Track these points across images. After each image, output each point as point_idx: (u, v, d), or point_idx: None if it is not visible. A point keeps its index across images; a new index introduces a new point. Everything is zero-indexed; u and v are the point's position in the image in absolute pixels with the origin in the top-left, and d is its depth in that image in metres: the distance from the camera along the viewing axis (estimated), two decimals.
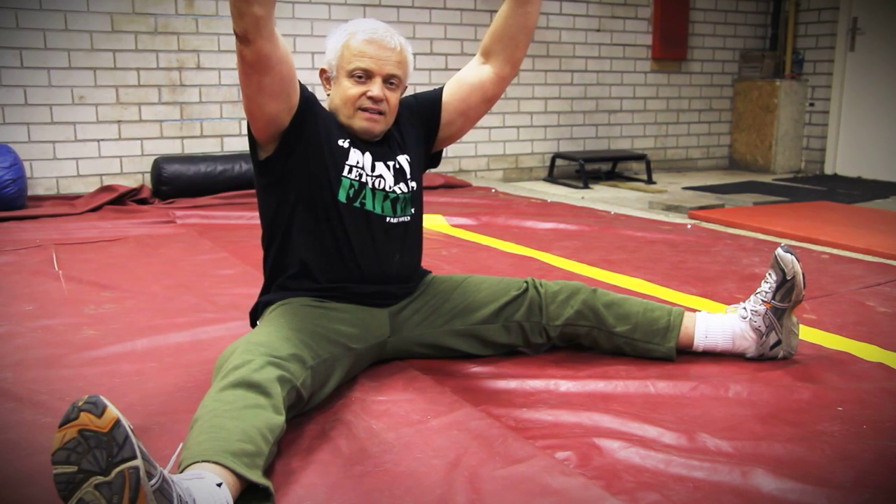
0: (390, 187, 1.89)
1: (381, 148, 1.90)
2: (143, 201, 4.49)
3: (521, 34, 1.95)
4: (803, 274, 1.93)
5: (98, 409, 1.09)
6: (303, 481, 1.41)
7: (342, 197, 1.83)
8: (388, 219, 1.89)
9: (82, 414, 1.09)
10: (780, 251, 1.93)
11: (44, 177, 4.51)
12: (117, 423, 1.10)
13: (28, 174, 4.41)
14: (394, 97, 1.87)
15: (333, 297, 1.85)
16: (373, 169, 1.87)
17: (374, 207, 1.86)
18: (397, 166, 1.91)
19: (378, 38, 1.83)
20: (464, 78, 2.02)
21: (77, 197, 4.50)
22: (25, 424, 1.63)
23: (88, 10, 4.48)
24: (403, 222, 1.92)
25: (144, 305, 2.52)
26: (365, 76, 1.82)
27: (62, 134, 4.52)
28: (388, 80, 1.84)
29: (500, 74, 1.99)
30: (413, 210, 1.95)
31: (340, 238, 1.84)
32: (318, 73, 1.92)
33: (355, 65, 1.81)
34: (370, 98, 1.82)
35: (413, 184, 1.95)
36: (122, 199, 4.42)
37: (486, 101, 2.02)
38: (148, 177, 4.73)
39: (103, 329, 2.27)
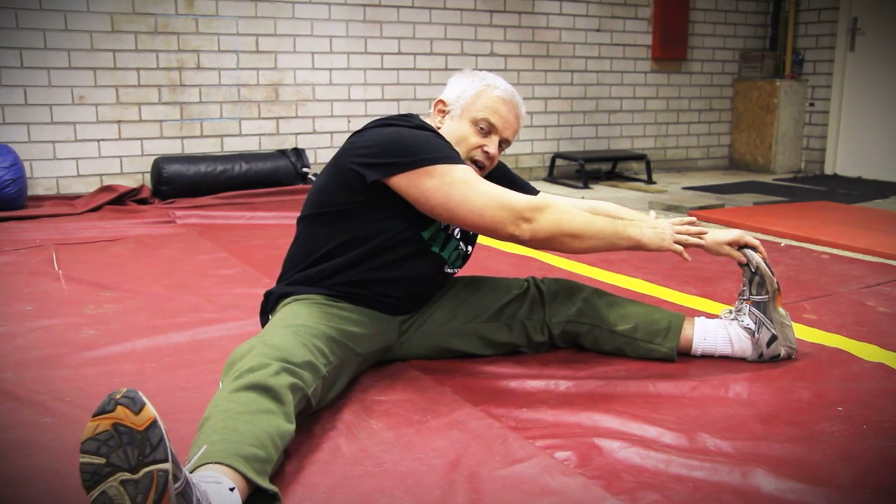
0: (458, 240, 1.94)
1: None
2: (143, 201, 4.49)
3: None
4: (767, 262, 1.97)
5: (136, 406, 1.08)
6: (303, 481, 1.41)
7: (427, 234, 1.85)
8: (446, 267, 1.93)
9: (119, 408, 1.07)
10: (742, 249, 1.98)
11: (44, 177, 4.51)
12: (154, 423, 1.08)
13: (28, 174, 4.40)
14: (498, 157, 1.95)
15: (351, 300, 1.84)
16: None
17: (444, 253, 1.90)
18: None
19: (513, 102, 1.91)
20: None
21: (77, 197, 4.50)
22: (25, 425, 1.63)
23: (88, 10, 4.47)
24: (452, 273, 1.98)
25: (144, 305, 2.52)
26: (488, 130, 1.88)
27: (62, 134, 4.52)
28: (502, 142, 1.92)
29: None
30: (461, 267, 2.01)
31: (399, 263, 1.84)
32: (434, 103, 1.96)
33: (485, 115, 1.87)
34: (485, 153, 1.88)
35: (470, 247, 2.00)
36: (122, 199, 4.42)
37: None
38: (148, 177, 4.73)
39: (103, 329, 2.27)
